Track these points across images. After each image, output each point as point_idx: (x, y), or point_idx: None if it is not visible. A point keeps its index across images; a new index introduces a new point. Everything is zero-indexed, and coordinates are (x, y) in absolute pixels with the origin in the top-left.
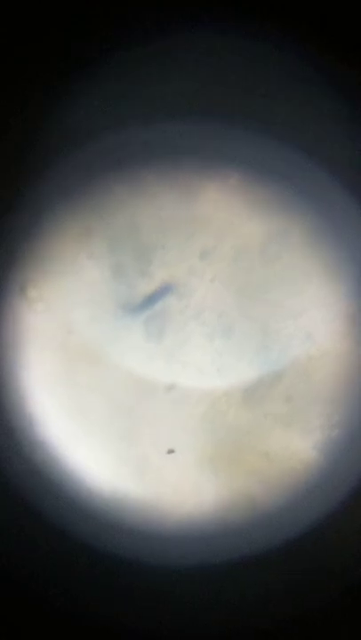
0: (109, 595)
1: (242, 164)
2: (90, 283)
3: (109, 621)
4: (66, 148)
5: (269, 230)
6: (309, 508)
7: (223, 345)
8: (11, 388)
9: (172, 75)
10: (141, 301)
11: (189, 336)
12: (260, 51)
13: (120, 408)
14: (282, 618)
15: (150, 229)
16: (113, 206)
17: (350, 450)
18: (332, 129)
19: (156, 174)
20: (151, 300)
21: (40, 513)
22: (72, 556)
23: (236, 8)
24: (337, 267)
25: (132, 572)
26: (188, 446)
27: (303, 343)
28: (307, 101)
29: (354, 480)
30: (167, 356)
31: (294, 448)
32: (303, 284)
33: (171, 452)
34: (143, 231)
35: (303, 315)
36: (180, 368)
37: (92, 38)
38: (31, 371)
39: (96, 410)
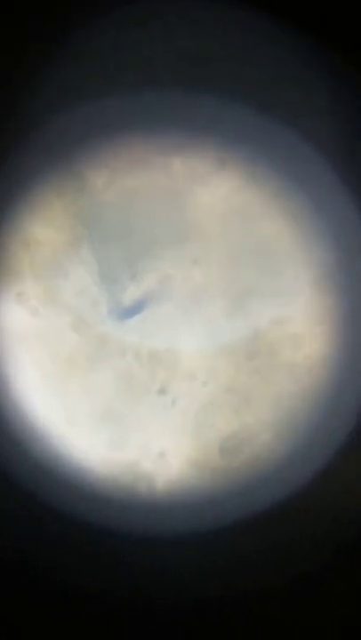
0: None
1: (236, 169)
2: (81, 288)
3: (104, 593)
4: (58, 152)
5: (263, 236)
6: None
7: (213, 350)
8: (4, 393)
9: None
10: (132, 306)
11: (179, 341)
12: (262, 43)
13: (111, 412)
14: (268, 584)
15: (142, 234)
16: (104, 211)
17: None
18: (333, 127)
19: (148, 178)
20: (142, 304)
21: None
22: (65, 534)
23: None
24: (329, 273)
25: (121, 543)
26: (177, 450)
27: (293, 349)
28: (308, 100)
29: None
30: (158, 361)
31: (282, 450)
32: (295, 290)
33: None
34: (135, 236)
35: (294, 321)
36: (170, 373)
37: (84, 10)
38: (24, 376)
39: (88, 414)
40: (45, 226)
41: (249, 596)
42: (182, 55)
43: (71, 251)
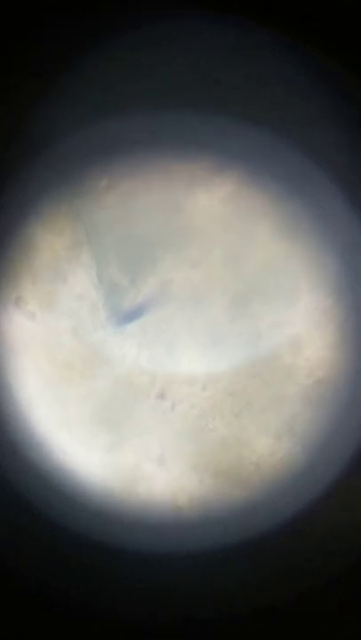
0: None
1: (235, 172)
2: (80, 293)
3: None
4: (54, 149)
5: (263, 239)
6: (289, 503)
7: (213, 354)
8: (4, 398)
9: (164, 82)
10: (132, 311)
11: (179, 345)
12: (260, 52)
13: (110, 417)
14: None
15: (141, 239)
16: (103, 216)
17: (332, 451)
18: (333, 137)
19: (147, 183)
20: (142, 309)
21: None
22: (67, 548)
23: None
24: (330, 276)
25: (122, 561)
26: (177, 455)
27: (293, 352)
28: (307, 108)
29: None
30: (157, 366)
31: (282, 454)
32: (295, 293)
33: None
34: (134, 241)
35: (294, 324)
36: (170, 377)
37: (86, 27)
38: (23, 380)
39: (87, 419)
40: (44, 229)
41: (257, 613)
42: (183, 74)
43: (70, 255)
